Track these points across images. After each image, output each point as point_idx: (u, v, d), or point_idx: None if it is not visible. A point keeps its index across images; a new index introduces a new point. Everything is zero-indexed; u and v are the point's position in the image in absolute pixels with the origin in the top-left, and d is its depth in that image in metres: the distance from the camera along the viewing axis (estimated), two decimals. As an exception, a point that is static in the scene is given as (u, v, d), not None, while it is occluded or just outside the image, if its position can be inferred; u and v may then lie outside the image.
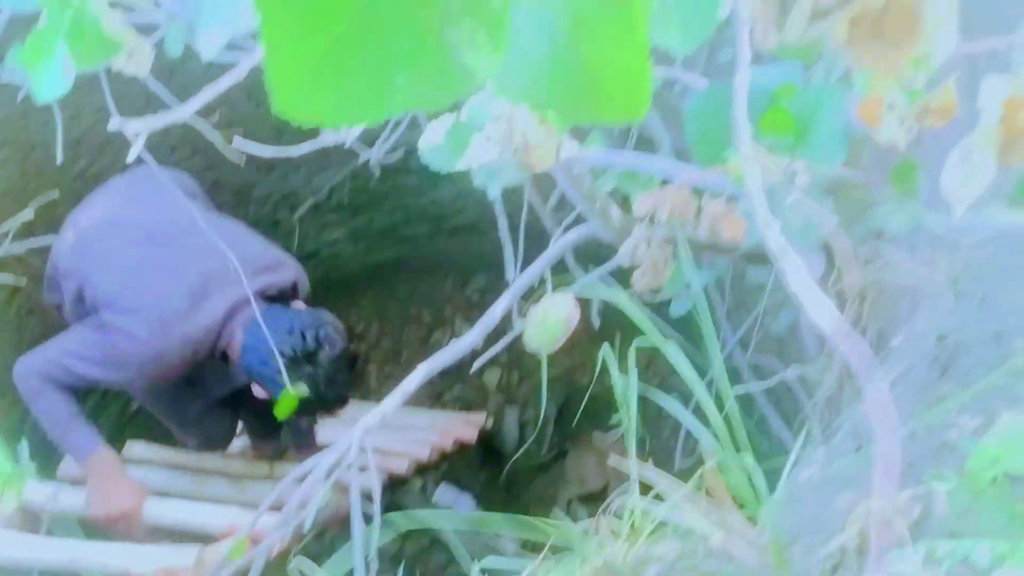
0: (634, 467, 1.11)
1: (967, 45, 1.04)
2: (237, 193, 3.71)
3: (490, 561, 1.50)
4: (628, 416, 1.24)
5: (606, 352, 1.27)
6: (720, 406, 1.40)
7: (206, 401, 2.87)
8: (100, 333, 2.35)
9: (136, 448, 3.01)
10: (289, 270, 2.59)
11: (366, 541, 1.60)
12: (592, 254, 1.92)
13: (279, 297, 2.54)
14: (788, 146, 1.09)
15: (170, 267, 2.39)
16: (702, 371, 1.65)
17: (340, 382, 2.45)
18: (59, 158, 1.93)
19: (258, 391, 2.45)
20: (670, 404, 1.35)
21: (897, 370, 1.33)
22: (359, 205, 4.11)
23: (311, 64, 0.37)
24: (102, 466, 2.38)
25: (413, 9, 0.39)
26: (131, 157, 0.68)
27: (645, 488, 1.15)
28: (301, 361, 2.35)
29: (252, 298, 2.22)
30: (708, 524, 1.01)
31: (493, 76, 0.43)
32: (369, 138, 2.39)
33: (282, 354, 2.31)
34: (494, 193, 1.16)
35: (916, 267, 1.43)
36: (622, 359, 1.47)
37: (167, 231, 2.46)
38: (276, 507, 1.83)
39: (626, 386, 1.26)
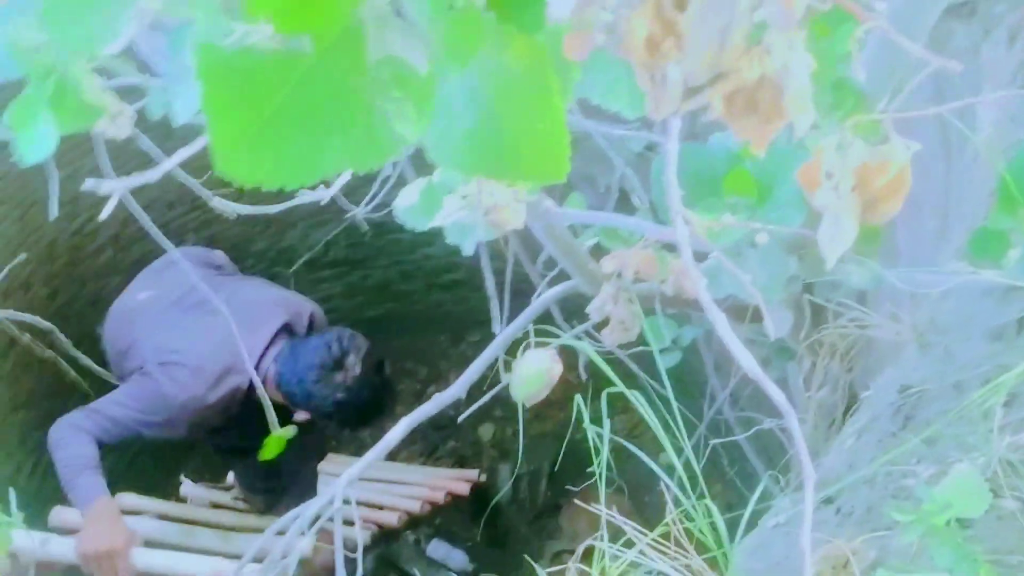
0: (603, 513, 1.14)
1: (931, 109, 1.09)
2: (234, 248, 3.75)
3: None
4: (600, 464, 1.27)
5: (579, 402, 1.31)
6: (697, 454, 1.43)
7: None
8: (145, 379, 2.60)
9: (127, 499, 3.04)
10: (306, 305, 2.92)
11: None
12: (584, 306, 1.96)
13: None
14: (749, 206, 1.13)
15: (201, 326, 2.65)
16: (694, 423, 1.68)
17: (372, 384, 2.68)
18: (53, 213, 1.98)
19: (300, 415, 2.65)
20: (640, 453, 1.39)
21: (864, 420, 1.36)
22: (354, 261, 4.15)
23: (251, 131, 0.41)
24: (100, 510, 2.45)
25: (345, 81, 0.43)
26: (104, 215, 0.72)
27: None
28: (332, 369, 2.59)
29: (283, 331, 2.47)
30: (673, 568, 1.04)
31: (427, 143, 0.48)
32: (359, 196, 2.45)
33: (312, 367, 2.57)
34: (468, 249, 1.21)
35: (885, 321, 1.47)
36: (610, 409, 1.50)
37: (195, 298, 2.71)
38: (260, 558, 1.85)
39: (598, 435, 1.30)
